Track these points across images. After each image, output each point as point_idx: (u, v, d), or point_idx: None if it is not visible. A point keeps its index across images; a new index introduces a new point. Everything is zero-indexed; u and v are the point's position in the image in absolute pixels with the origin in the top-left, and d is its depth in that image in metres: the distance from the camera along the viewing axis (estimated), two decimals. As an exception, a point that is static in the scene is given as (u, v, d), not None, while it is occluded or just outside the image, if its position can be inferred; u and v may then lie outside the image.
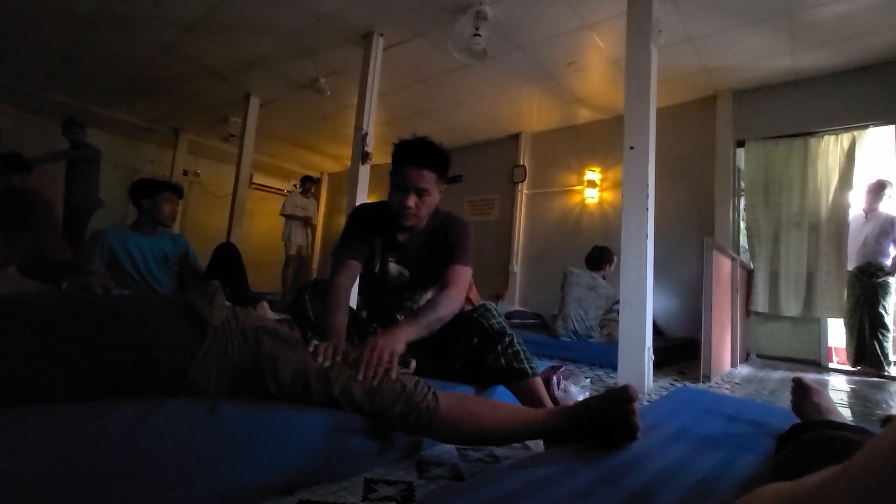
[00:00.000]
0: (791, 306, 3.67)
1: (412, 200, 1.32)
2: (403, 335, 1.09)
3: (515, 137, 5.50)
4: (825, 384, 2.75)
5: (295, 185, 6.91)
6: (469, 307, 1.68)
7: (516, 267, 5.22)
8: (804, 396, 1.05)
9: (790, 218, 3.76)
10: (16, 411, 0.69)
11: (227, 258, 2.35)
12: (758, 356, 3.77)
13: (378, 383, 0.95)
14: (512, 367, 1.29)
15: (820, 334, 3.64)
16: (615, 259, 3.40)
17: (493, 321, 1.38)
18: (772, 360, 3.70)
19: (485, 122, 5.28)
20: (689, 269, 4.05)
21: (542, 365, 1.82)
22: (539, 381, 1.31)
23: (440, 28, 3.41)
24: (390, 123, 5.33)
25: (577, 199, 5.02)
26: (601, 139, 4.87)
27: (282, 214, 5.93)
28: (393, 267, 1.48)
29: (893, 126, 3.48)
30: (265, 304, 2.38)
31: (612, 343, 2.99)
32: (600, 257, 3.45)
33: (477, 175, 5.82)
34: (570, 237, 4.93)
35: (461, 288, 1.30)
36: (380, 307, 1.56)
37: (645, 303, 2.09)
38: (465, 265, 1.36)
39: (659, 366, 2.95)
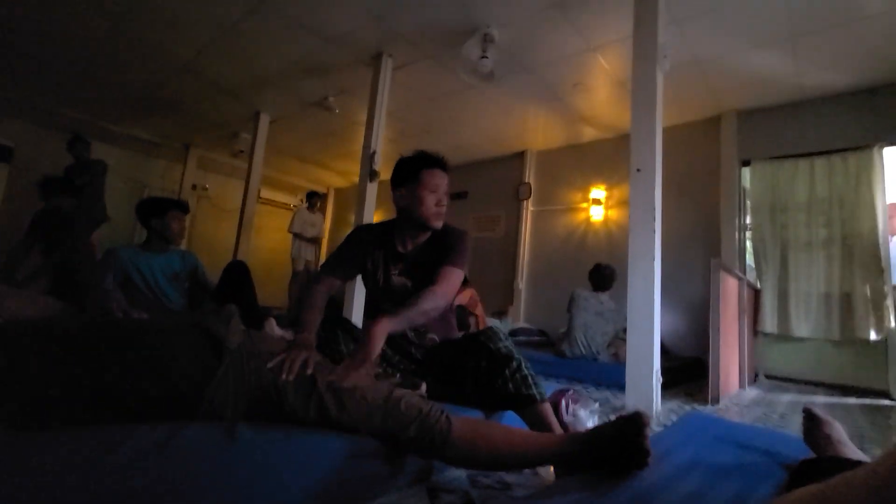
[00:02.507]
0: (802, 327, 3.63)
1: (444, 201, 1.49)
2: (382, 330, 1.15)
3: (521, 155, 5.56)
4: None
5: (302, 201, 6.98)
6: (474, 329, 1.68)
7: (521, 284, 5.22)
8: (815, 427, 1.04)
9: (798, 238, 3.75)
10: (37, 435, 0.71)
11: (238, 276, 2.38)
12: (766, 377, 3.73)
13: (359, 393, 0.97)
14: (521, 392, 1.29)
15: (888, 359, 3.20)
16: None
17: (500, 344, 1.39)
18: (798, 383, 3.59)
19: (491, 139, 5.34)
20: (694, 287, 4.04)
21: (549, 387, 1.82)
22: (548, 406, 1.31)
23: (448, 50, 3.48)
24: (397, 141, 5.40)
25: (582, 216, 5.05)
26: (606, 157, 4.91)
27: (290, 231, 5.97)
28: (396, 279, 1.53)
29: (897, 148, 3.49)
30: (272, 321, 2.40)
31: (618, 363, 2.98)
32: (611, 277, 3.42)
33: (482, 192, 5.87)
34: (575, 255, 4.94)
35: (448, 286, 1.38)
36: None
37: (652, 325, 2.09)
38: (457, 266, 1.43)
39: (666, 386, 2.92)
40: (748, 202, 4.10)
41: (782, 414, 2.36)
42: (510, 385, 1.30)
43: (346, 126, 5.15)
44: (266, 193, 7.56)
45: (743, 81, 3.69)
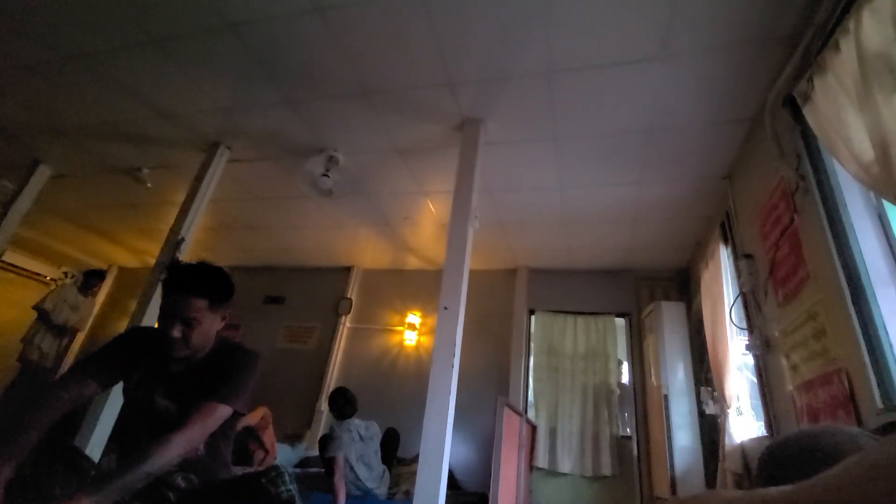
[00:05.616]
0: (566, 463, 4.15)
1: (178, 330, 1.22)
2: None
3: (347, 270, 5.63)
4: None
5: (68, 275, 5.58)
6: (259, 461, 1.47)
7: (324, 405, 4.87)
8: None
9: (566, 381, 4.49)
10: None
11: None
12: (538, 513, 4.03)
13: None
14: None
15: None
16: None
17: (283, 489, 1.22)
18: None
19: (319, 249, 5.33)
20: (486, 421, 4.34)
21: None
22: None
23: (290, 157, 3.54)
24: (217, 231, 4.97)
25: (396, 339, 5.17)
26: (425, 287, 5.30)
27: (35, 308, 4.58)
28: (160, 401, 1.28)
29: (624, 319, 4.69)
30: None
31: (408, 501, 2.87)
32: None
33: (301, 300, 5.63)
34: (385, 377, 4.93)
35: (198, 430, 1.16)
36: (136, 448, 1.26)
37: (441, 462, 2.13)
38: (225, 403, 1.22)
39: (452, 526, 2.90)
40: (533, 346, 4.83)
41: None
42: (279, 540, 1.12)
43: (156, 203, 4.55)
44: (11, 257, 5.85)
45: (532, 246, 4.60)
